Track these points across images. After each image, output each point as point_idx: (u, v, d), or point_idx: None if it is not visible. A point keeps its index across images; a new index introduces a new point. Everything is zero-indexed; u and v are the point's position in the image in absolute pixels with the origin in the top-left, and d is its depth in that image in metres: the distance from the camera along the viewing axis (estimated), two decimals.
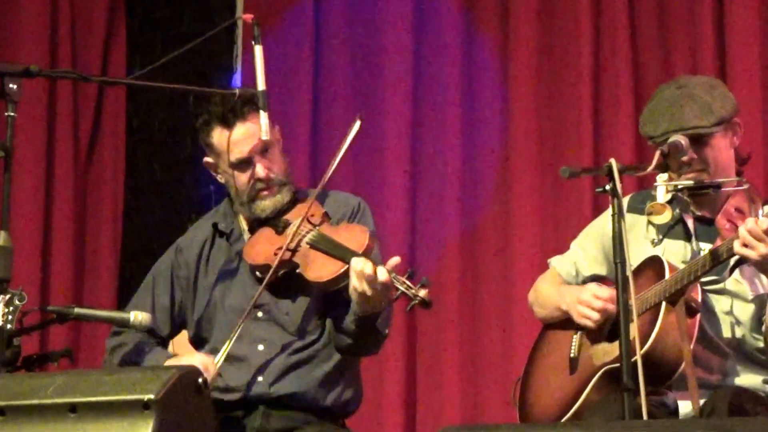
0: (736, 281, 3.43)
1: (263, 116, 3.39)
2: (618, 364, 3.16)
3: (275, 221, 3.49)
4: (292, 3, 5.31)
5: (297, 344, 3.44)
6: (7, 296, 3.04)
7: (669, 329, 3.32)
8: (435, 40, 5.12)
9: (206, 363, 3.30)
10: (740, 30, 4.60)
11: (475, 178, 5.00)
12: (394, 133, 5.10)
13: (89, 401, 2.49)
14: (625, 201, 3.45)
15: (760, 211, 3.28)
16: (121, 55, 5.46)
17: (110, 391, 2.50)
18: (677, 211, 3.51)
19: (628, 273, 3.11)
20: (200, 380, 2.58)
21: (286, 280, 3.42)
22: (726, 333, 3.43)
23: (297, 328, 3.45)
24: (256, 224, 3.54)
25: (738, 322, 3.43)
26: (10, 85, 3.12)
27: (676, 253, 3.48)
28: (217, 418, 2.70)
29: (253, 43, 3.45)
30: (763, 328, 3.41)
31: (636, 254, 3.42)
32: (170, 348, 3.63)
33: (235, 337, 3.33)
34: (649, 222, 3.50)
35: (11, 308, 3.04)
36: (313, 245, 3.39)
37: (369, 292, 3.22)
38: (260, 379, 3.40)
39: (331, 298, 3.42)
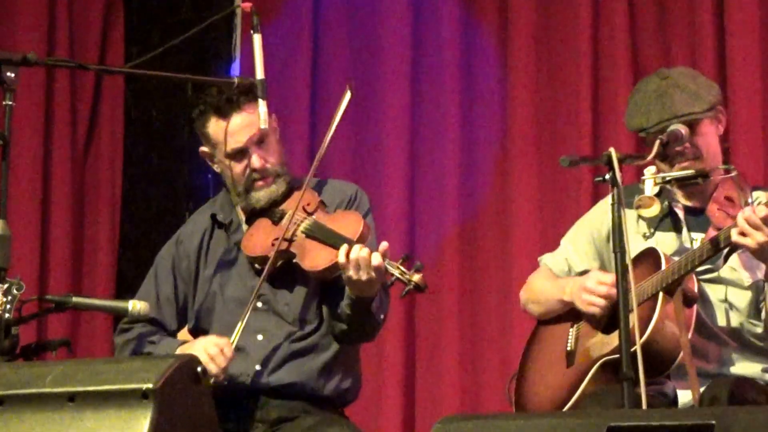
0: (731, 269, 3.44)
1: (262, 105, 3.39)
2: (615, 356, 3.16)
3: (271, 211, 3.49)
4: None
5: (296, 334, 3.44)
6: (5, 285, 3.04)
7: (667, 319, 3.32)
8: (434, 30, 5.11)
9: (221, 344, 3.30)
10: (740, 18, 4.59)
11: (475, 167, 5.00)
12: (393, 123, 5.09)
13: (88, 390, 2.50)
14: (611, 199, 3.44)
15: (750, 199, 3.28)
16: (119, 44, 5.45)
17: (109, 380, 2.50)
18: (666, 203, 3.51)
19: (628, 261, 3.11)
20: (199, 369, 2.58)
21: (284, 271, 3.42)
22: (722, 321, 3.43)
23: (296, 318, 3.45)
24: (252, 215, 3.53)
25: (734, 310, 3.43)
26: (8, 74, 3.12)
27: (668, 245, 3.49)
28: (216, 407, 2.69)
29: (251, 31, 3.45)
30: (763, 314, 3.42)
31: (628, 247, 3.41)
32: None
33: (245, 320, 3.32)
34: (639, 216, 3.49)
35: (9, 297, 3.04)
36: (308, 234, 3.40)
37: (363, 278, 3.22)
38: (259, 368, 3.40)
39: (329, 286, 3.42)
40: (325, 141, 3.47)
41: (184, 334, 3.63)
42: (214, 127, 3.49)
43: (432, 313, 4.96)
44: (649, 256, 3.44)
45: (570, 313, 3.54)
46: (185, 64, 5.05)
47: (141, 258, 5.25)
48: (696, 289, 3.37)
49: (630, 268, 3.11)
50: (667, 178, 3.44)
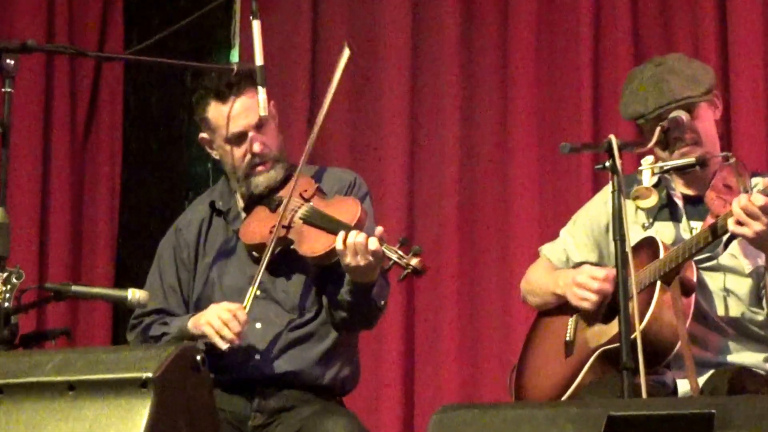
0: (731, 256, 3.43)
1: (261, 92, 3.39)
2: (614, 345, 3.16)
3: (269, 199, 3.49)
4: None
5: (294, 322, 3.44)
6: (5, 274, 3.04)
7: (664, 308, 3.32)
8: (434, 15, 5.09)
9: (233, 308, 3.30)
10: (742, 4, 4.58)
11: (475, 154, 4.99)
12: (393, 108, 5.08)
13: (87, 379, 2.50)
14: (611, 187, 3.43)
15: (750, 186, 3.27)
16: (119, 31, 5.43)
17: (108, 369, 2.50)
18: (664, 193, 3.50)
19: (628, 249, 3.10)
20: (198, 357, 2.58)
21: (282, 258, 3.42)
22: (722, 310, 3.42)
23: (294, 305, 3.45)
24: (251, 202, 3.53)
25: (734, 298, 3.42)
26: (7, 61, 3.11)
27: (667, 234, 3.48)
28: (215, 396, 2.69)
29: (251, 18, 3.44)
30: (764, 302, 3.41)
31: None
32: None
33: (256, 285, 3.32)
34: (637, 206, 3.48)
35: (9, 286, 3.04)
36: (305, 220, 3.40)
37: (362, 263, 3.22)
38: (258, 357, 3.40)
39: (328, 274, 3.42)
40: (325, 103, 3.47)
41: None
42: (214, 111, 3.49)
43: (431, 302, 4.96)
44: (648, 245, 3.43)
45: (569, 304, 3.53)
46: (184, 51, 5.04)
47: (140, 246, 5.25)
48: (695, 278, 3.36)
49: (630, 256, 3.10)
50: (665, 168, 3.42)
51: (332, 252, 3.30)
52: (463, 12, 5.04)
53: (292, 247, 3.39)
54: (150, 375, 2.44)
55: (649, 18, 4.78)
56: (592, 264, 3.57)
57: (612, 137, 3.15)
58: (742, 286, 3.43)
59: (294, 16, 5.26)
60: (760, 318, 3.42)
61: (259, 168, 3.49)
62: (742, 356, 3.41)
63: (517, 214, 4.84)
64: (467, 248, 4.95)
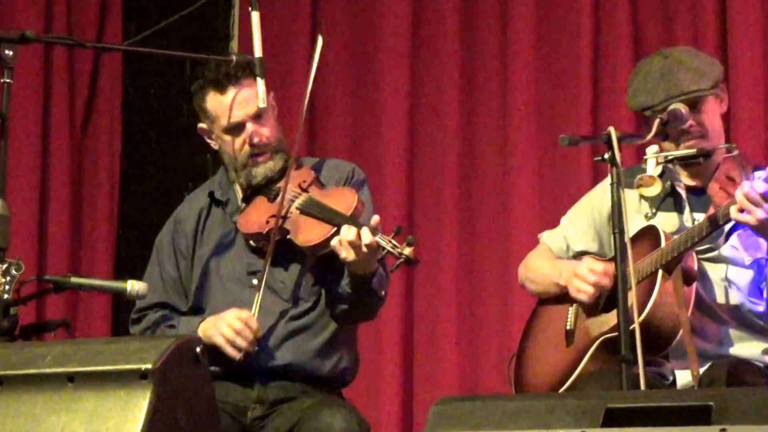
0: (732, 247, 3.43)
1: (260, 83, 3.39)
2: (614, 334, 3.16)
3: (267, 189, 3.50)
4: None
5: (293, 313, 3.45)
6: (4, 266, 3.04)
7: (666, 297, 3.33)
8: (434, 6, 5.09)
9: (244, 317, 3.31)
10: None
11: (474, 146, 4.99)
12: (392, 99, 5.08)
13: (87, 371, 2.50)
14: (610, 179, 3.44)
15: (752, 176, 3.27)
16: (117, 22, 5.43)
17: (108, 360, 2.50)
18: (668, 183, 3.51)
19: (627, 242, 3.11)
20: (198, 349, 2.58)
21: (280, 248, 3.42)
22: (722, 299, 3.43)
23: (292, 295, 3.46)
24: (249, 192, 3.53)
25: (735, 289, 3.43)
26: (6, 51, 3.10)
27: (670, 224, 3.48)
28: (214, 387, 2.69)
29: (249, 9, 3.44)
30: (764, 292, 3.42)
31: (629, 228, 3.40)
32: None
33: (261, 293, 3.33)
34: (641, 196, 3.49)
35: (8, 278, 3.04)
36: (302, 210, 3.40)
37: (358, 257, 3.23)
38: (257, 348, 3.40)
39: (326, 265, 3.42)
40: (306, 91, 3.48)
41: None
42: (213, 101, 3.49)
43: (430, 292, 4.96)
44: (649, 234, 3.44)
45: (569, 293, 3.54)
46: (183, 42, 5.04)
47: (140, 238, 5.25)
48: (696, 268, 3.37)
49: (629, 248, 3.11)
50: (669, 158, 3.43)
51: (327, 242, 3.30)
52: (464, 6, 5.03)
53: (288, 236, 3.40)
54: (150, 366, 2.44)
55: (648, 11, 4.78)
56: (592, 253, 3.58)
57: (611, 129, 3.15)
58: (743, 277, 3.44)
59: (293, 6, 5.26)
60: (760, 308, 3.43)
61: (258, 158, 3.50)
62: (741, 347, 3.42)
63: (517, 205, 4.84)
64: (466, 239, 4.95)
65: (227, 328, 3.31)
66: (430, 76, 5.07)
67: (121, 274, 5.03)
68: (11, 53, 3.11)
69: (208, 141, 3.59)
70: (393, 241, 3.24)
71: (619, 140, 3.15)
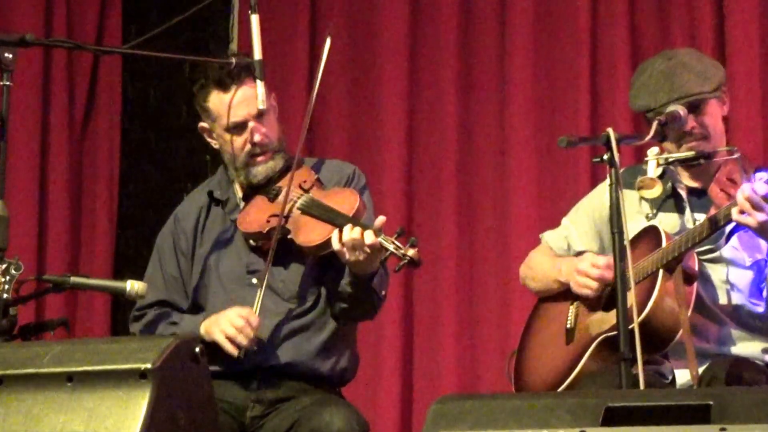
0: (732, 248, 3.44)
1: (260, 85, 3.40)
2: (614, 333, 3.16)
3: (268, 189, 3.50)
4: None
5: (293, 312, 3.45)
6: (4, 265, 3.05)
7: (666, 296, 3.33)
8: (432, 8, 5.09)
9: (245, 314, 3.30)
10: (740, 0, 4.58)
11: (473, 148, 4.99)
12: (391, 100, 5.08)
13: (86, 370, 2.50)
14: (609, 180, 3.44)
15: (753, 178, 3.28)
16: (117, 24, 5.43)
17: (107, 360, 2.50)
18: (669, 184, 3.51)
19: (626, 242, 3.11)
20: (197, 349, 2.58)
21: (280, 247, 3.42)
22: (723, 300, 3.43)
23: (292, 295, 3.46)
24: (249, 191, 3.53)
25: (735, 289, 3.43)
26: (6, 54, 3.11)
27: (671, 225, 3.49)
28: (213, 387, 2.69)
29: (249, 12, 3.44)
30: (765, 293, 3.42)
31: (630, 229, 3.40)
32: None
33: (263, 291, 3.33)
34: (642, 197, 3.49)
35: (8, 277, 3.04)
36: (303, 210, 3.40)
37: (360, 257, 3.22)
38: (255, 347, 3.40)
39: (326, 265, 3.42)
40: (314, 90, 3.48)
41: None
42: (215, 100, 3.50)
43: (430, 291, 4.96)
44: (650, 234, 3.45)
45: (570, 291, 3.54)
46: (183, 44, 5.04)
47: (139, 238, 5.25)
48: (696, 268, 3.38)
49: (628, 248, 3.11)
50: (670, 159, 3.43)
51: (328, 242, 3.30)
52: (462, 5, 5.04)
53: (289, 236, 3.40)
54: (149, 366, 2.44)
55: (646, 13, 4.78)
56: (593, 253, 3.59)
57: (610, 130, 3.16)
58: (743, 277, 3.44)
59: (293, 7, 5.26)
60: (760, 309, 3.44)
61: (259, 158, 3.50)
62: (741, 347, 3.42)
63: (515, 206, 4.84)
64: (466, 239, 4.95)
65: (228, 325, 3.31)
66: (428, 77, 5.08)
67: (121, 273, 5.03)
68: (11, 56, 3.12)
69: (209, 140, 3.60)
70: (397, 242, 3.24)
71: (618, 141, 3.15)
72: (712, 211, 3.35)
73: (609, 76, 4.76)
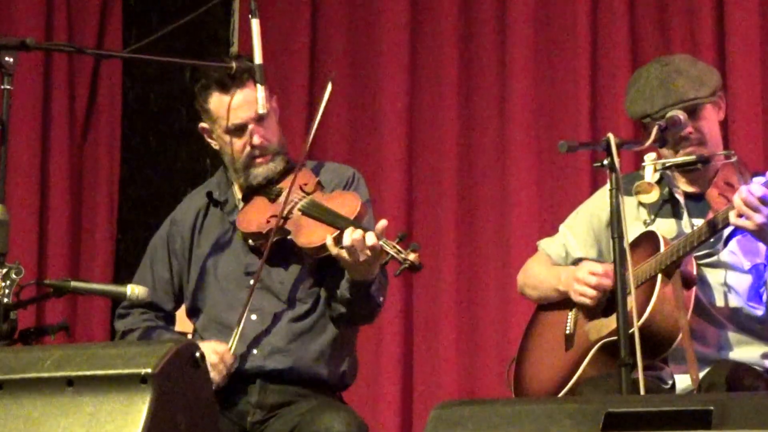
0: (731, 253, 3.44)
1: (260, 90, 3.40)
2: (614, 338, 3.16)
3: (268, 190, 3.50)
4: None
5: (291, 315, 3.44)
6: (4, 270, 3.04)
7: (665, 300, 3.33)
8: (432, 13, 5.10)
9: (220, 351, 3.31)
10: (739, 3, 4.58)
11: (473, 153, 4.99)
12: (391, 105, 5.09)
13: (86, 375, 2.49)
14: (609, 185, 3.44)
15: (751, 181, 3.28)
16: (117, 28, 5.44)
17: (107, 364, 2.50)
18: (667, 189, 3.51)
19: (626, 247, 3.11)
20: (197, 354, 2.58)
21: (279, 248, 3.42)
22: (721, 304, 3.44)
23: (290, 297, 3.45)
24: (248, 193, 3.54)
25: (734, 293, 3.44)
26: (6, 58, 3.11)
27: (668, 231, 3.49)
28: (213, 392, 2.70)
29: (249, 16, 3.45)
30: (764, 296, 3.42)
31: (629, 234, 3.41)
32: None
33: (244, 318, 3.33)
34: (639, 202, 3.50)
35: (8, 282, 3.04)
36: (304, 212, 3.40)
37: (360, 259, 3.22)
38: (255, 352, 3.40)
39: (325, 267, 3.42)
40: (310, 132, 3.48)
41: (181, 315, 3.64)
42: (216, 101, 3.50)
43: (430, 297, 4.97)
44: (648, 239, 3.45)
45: (569, 299, 3.54)
46: (183, 49, 5.04)
47: (139, 242, 5.24)
48: (695, 272, 3.38)
49: (628, 253, 3.12)
50: (667, 164, 3.44)
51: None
52: (462, 11, 5.04)
53: (288, 237, 3.40)
54: (149, 371, 2.43)
55: (646, 17, 4.79)
56: (591, 260, 3.59)
57: (610, 136, 3.16)
58: (742, 282, 3.44)
59: (293, 10, 5.27)
60: (759, 313, 3.44)
61: (259, 160, 3.50)
62: (741, 351, 3.42)
63: (516, 211, 4.85)
64: (466, 245, 4.96)
65: None
66: (429, 82, 5.08)
67: (121, 278, 5.03)
68: (11, 60, 3.12)
69: (209, 141, 3.60)
70: (398, 247, 3.24)
71: (618, 147, 3.15)
72: (710, 215, 3.36)
73: (609, 81, 4.77)
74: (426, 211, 5.03)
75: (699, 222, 3.42)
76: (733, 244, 3.43)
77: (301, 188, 3.47)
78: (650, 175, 3.44)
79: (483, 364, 4.86)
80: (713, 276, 3.44)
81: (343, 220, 3.30)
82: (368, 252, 3.22)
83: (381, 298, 3.42)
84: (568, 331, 3.54)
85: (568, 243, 3.67)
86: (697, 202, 3.51)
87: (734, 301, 3.44)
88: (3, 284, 3.03)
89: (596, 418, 2.33)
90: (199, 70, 3.58)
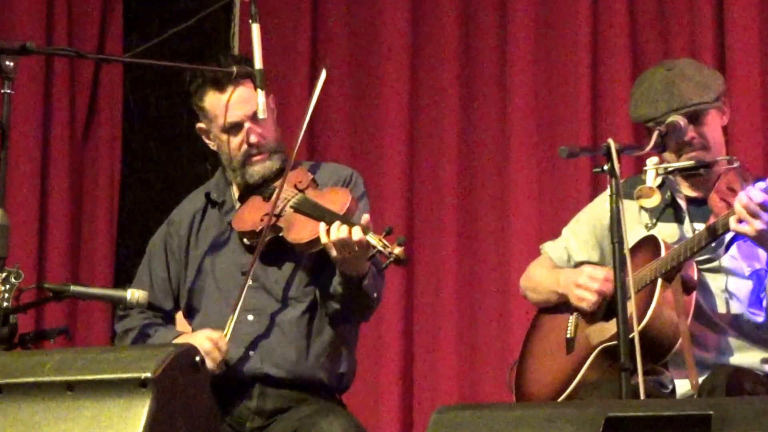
0: (731, 258, 3.44)
1: (261, 95, 3.40)
2: (615, 342, 3.16)
3: (263, 189, 3.51)
4: None
5: (289, 317, 3.43)
6: (4, 274, 3.05)
7: (665, 305, 3.33)
8: (433, 16, 5.10)
9: (215, 338, 3.30)
10: (740, 7, 4.58)
11: (474, 157, 4.99)
12: (392, 108, 5.09)
13: (86, 379, 2.50)
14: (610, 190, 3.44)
15: (752, 186, 3.28)
16: (118, 33, 5.44)
17: (107, 369, 2.50)
18: (668, 194, 3.52)
19: (626, 251, 3.11)
20: (197, 358, 2.58)
21: (273, 247, 3.42)
22: (722, 309, 3.44)
23: (286, 296, 3.45)
24: (246, 193, 3.54)
25: (734, 299, 3.44)
26: (7, 63, 3.11)
27: (670, 235, 3.49)
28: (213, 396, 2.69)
29: (250, 21, 3.45)
30: (764, 302, 3.42)
31: (630, 239, 3.40)
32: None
33: (238, 310, 3.33)
34: (641, 207, 3.50)
35: (8, 286, 3.04)
36: (296, 208, 3.41)
37: (347, 254, 3.23)
38: (252, 355, 3.40)
39: (323, 266, 3.42)
40: (304, 120, 3.48)
41: (181, 317, 3.64)
42: (212, 100, 3.50)
43: (430, 300, 4.96)
44: (649, 244, 3.45)
45: (570, 303, 3.54)
46: (184, 54, 5.05)
47: (139, 246, 5.22)
48: (695, 277, 3.38)
49: (628, 258, 3.12)
50: (669, 169, 3.44)
51: (318, 240, 3.30)
52: (463, 14, 5.04)
53: (281, 234, 3.40)
54: (149, 375, 2.44)
55: (646, 22, 4.78)
56: (593, 263, 3.59)
57: (611, 141, 3.16)
58: (742, 287, 3.44)
59: (293, 11, 5.27)
60: (759, 319, 3.44)
61: (256, 158, 3.50)
62: (740, 356, 3.42)
63: (516, 215, 4.85)
64: (466, 248, 4.95)
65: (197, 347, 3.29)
66: (429, 85, 5.08)
67: (121, 282, 5.03)
68: (12, 64, 3.12)
69: (206, 141, 3.60)
70: (384, 240, 3.24)
71: (619, 152, 3.15)
72: (711, 221, 3.36)
73: (610, 86, 4.77)
74: (426, 213, 5.03)
75: (700, 227, 3.42)
76: (733, 249, 3.43)
77: (295, 186, 3.47)
78: (652, 179, 3.44)
79: (483, 369, 4.86)
80: (714, 281, 3.44)
81: (332, 215, 3.30)
82: (355, 247, 3.22)
83: (375, 294, 3.40)
84: (569, 335, 3.54)
85: (571, 246, 3.67)
86: (699, 206, 3.51)
87: (735, 307, 3.44)
88: (3, 288, 3.03)
89: (596, 423, 2.33)
90: (195, 75, 3.58)
